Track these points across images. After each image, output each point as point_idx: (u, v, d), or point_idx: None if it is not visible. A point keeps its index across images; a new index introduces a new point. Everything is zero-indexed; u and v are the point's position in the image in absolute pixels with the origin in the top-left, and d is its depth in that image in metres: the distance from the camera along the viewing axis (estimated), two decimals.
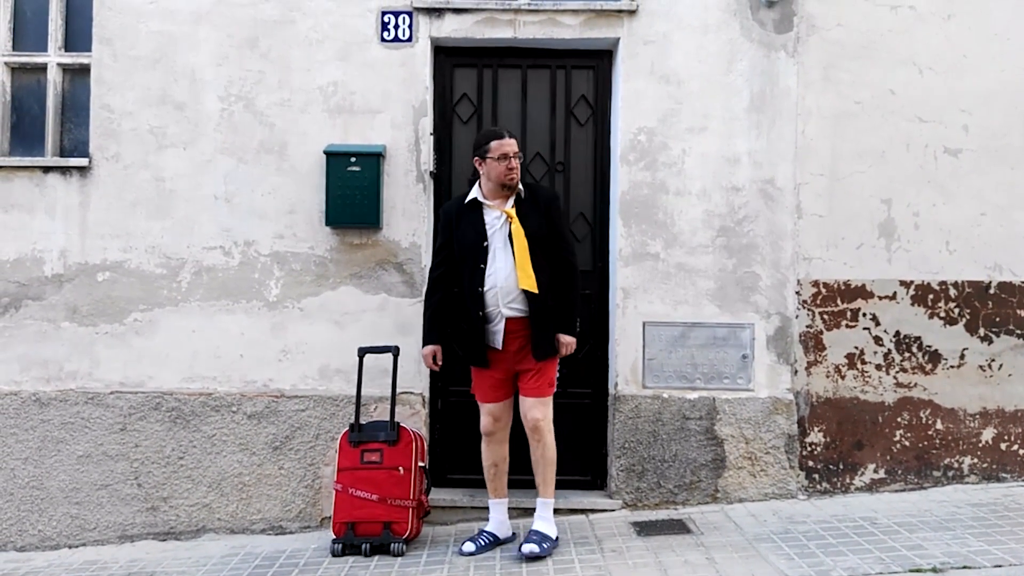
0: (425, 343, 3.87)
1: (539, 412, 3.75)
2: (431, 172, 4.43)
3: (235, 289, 4.38)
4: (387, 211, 4.36)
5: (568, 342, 3.78)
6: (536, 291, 3.66)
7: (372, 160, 4.28)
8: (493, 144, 3.69)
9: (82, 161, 4.41)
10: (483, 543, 3.82)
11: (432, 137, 4.42)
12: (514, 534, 3.93)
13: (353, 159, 4.27)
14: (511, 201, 3.74)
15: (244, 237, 4.39)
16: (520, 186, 3.76)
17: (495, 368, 3.78)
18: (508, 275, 3.68)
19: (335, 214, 4.29)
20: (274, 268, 4.38)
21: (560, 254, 3.77)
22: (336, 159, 4.27)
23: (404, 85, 4.37)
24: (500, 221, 3.72)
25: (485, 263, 3.70)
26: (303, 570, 3.76)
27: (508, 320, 3.71)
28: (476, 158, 3.75)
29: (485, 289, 3.70)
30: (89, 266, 4.40)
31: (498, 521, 3.90)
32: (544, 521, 3.79)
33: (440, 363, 3.88)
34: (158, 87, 4.41)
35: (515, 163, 3.69)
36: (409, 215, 4.37)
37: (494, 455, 3.86)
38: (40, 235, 4.41)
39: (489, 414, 3.83)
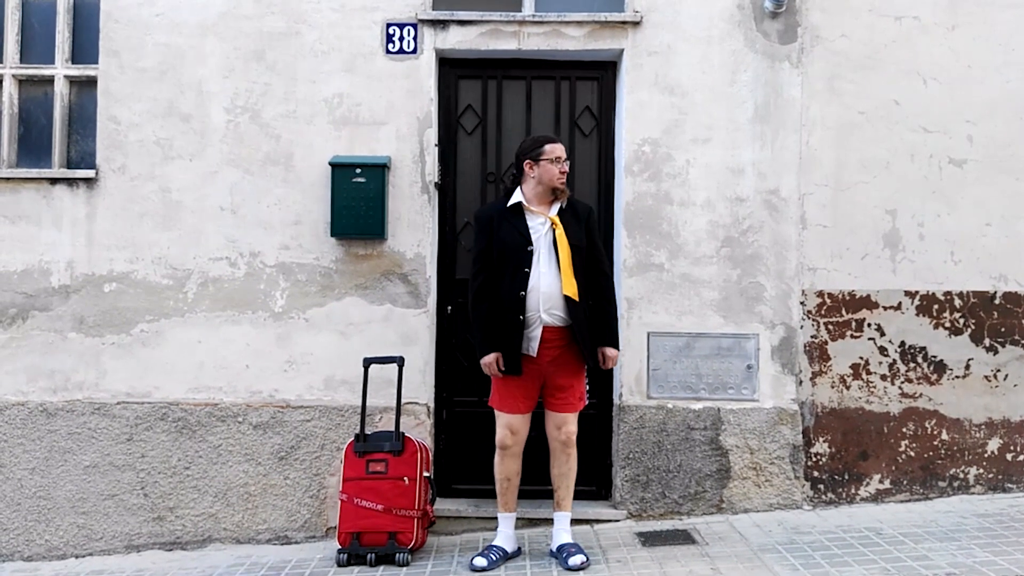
0: (484, 352, 3.72)
1: (574, 426, 3.77)
2: (436, 183, 4.44)
3: (241, 300, 4.40)
4: (392, 222, 4.38)
5: (614, 356, 3.79)
6: (577, 299, 3.66)
7: (377, 171, 4.29)
8: (547, 147, 3.72)
9: (89, 173, 4.43)
10: (494, 558, 3.76)
11: (437, 148, 4.43)
12: (520, 548, 3.91)
13: (358, 170, 4.28)
14: (555, 208, 3.75)
15: (250, 248, 4.40)
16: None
17: (524, 380, 3.72)
18: (552, 281, 3.66)
19: (340, 225, 4.30)
20: (280, 279, 4.40)
21: (598, 266, 3.79)
22: (341, 170, 4.29)
23: (409, 96, 4.39)
24: (545, 227, 3.71)
25: (529, 267, 3.67)
26: None
27: (546, 328, 3.67)
28: (528, 161, 3.74)
29: (527, 293, 3.65)
30: (96, 277, 4.42)
31: (507, 535, 3.86)
32: (568, 533, 3.81)
33: (504, 368, 3.71)
34: (165, 99, 4.43)
35: (566, 167, 3.75)
36: (414, 226, 4.39)
37: (508, 469, 3.81)
38: (47, 246, 4.43)
39: (508, 427, 3.77)
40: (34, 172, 4.47)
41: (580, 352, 3.69)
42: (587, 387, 3.86)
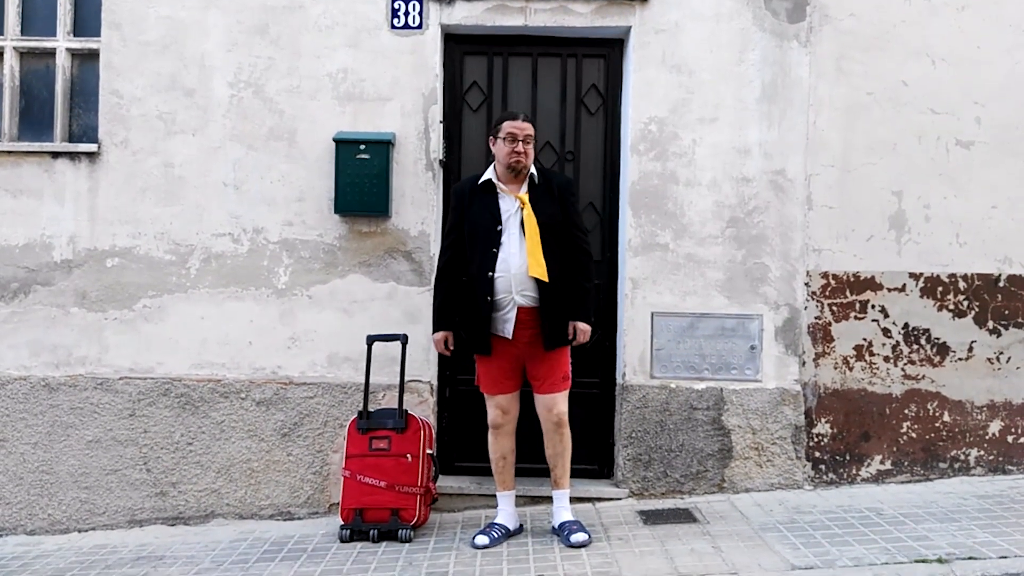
0: (436, 329, 3.84)
1: (563, 406, 3.74)
2: (441, 160, 4.42)
3: (244, 276, 4.38)
4: (396, 199, 4.36)
5: (584, 329, 3.75)
6: (547, 279, 3.61)
7: (382, 148, 4.27)
8: (505, 124, 3.66)
9: (91, 147, 4.40)
10: (496, 535, 3.77)
11: (442, 125, 4.41)
12: (521, 525, 3.92)
13: (363, 147, 4.26)
14: (524, 186, 3.70)
15: (253, 224, 4.38)
16: (534, 171, 3.72)
17: (502, 358, 3.73)
18: (521, 263, 3.63)
19: (344, 202, 4.28)
20: (283, 255, 4.38)
21: (573, 242, 3.73)
22: (345, 146, 4.26)
23: (414, 73, 4.35)
24: (515, 206, 3.66)
25: (498, 247, 3.64)
26: (311, 555, 3.79)
27: (520, 309, 3.66)
28: (491, 136, 3.75)
29: (496, 275, 3.64)
30: (98, 252, 4.40)
31: (508, 513, 3.87)
32: (569, 511, 3.81)
33: (452, 348, 3.85)
34: (167, 73, 4.39)
35: (523, 147, 3.63)
36: (418, 203, 4.37)
37: (502, 448, 3.82)
38: (49, 220, 4.41)
39: (497, 407, 3.78)
40: (36, 146, 4.43)
41: (551, 332, 3.65)
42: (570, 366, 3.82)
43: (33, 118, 4.56)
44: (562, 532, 3.73)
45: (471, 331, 3.74)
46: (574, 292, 3.72)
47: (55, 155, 4.42)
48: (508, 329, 3.69)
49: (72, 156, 4.41)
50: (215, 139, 4.38)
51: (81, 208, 4.41)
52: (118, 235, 4.40)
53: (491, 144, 3.75)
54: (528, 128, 3.67)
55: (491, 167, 3.76)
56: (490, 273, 3.64)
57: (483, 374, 3.81)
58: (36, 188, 4.41)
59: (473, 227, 3.69)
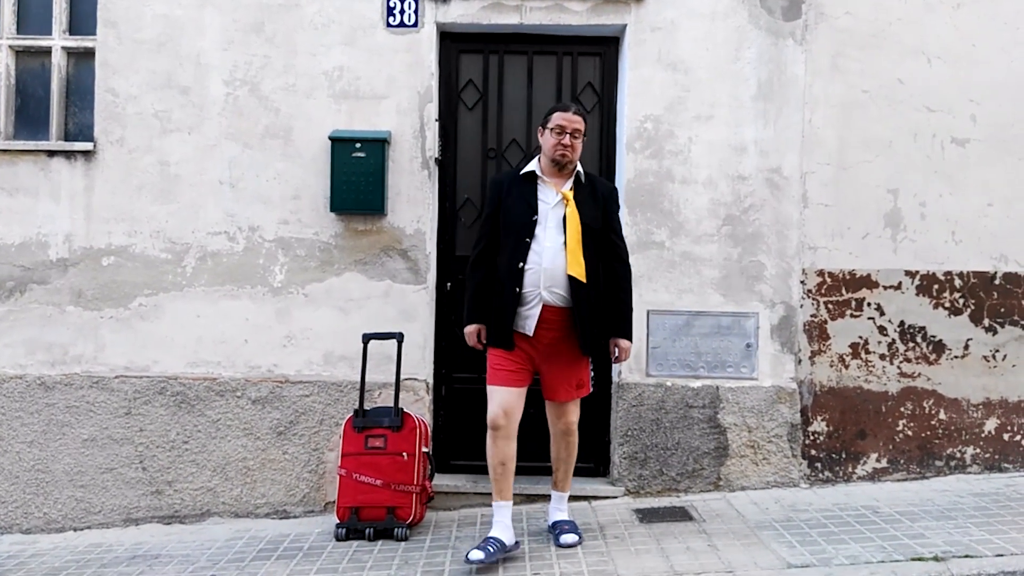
0: (468, 322, 3.65)
1: (574, 416, 3.64)
2: (436, 159, 4.41)
3: (240, 274, 4.38)
4: (392, 198, 4.35)
5: (627, 348, 3.61)
6: (584, 280, 3.45)
7: (377, 146, 4.26)
8: (554, 115, 3.52)
9: (87, 145, 4.40)
10: (491, 550, 3.47)
11: (437, 124, 4.40)
12: (518, 542, 3.64)
13: (358, 145, 4.25)
14: (569, 183, 3.56)
15: (249, 222, 4.38)
16: (580, 170, 3.59)
17: (517, 356, 3.52)
18: (555, 257, 3.46)
19: (340, 200, 4.28)
20: (279, 254, 4.38)
21: (615, 251, 3.60)
22: (341, 145, 4.26)
23: (409, 71, 4.35)
24: (555, 200, 3.51)
25: (531, 238, 3.47)
26: (307, 554, 3.78)
27: (546, 307, 3.48)
28: (540, 127, 3.62)
29: (527, 267, 3.47)
30: (94, 250, 4.40)
31: (504, 526, 3.57)
32: (565, 512, 3.77)
33: (485, 341, 3.63)
34: (163, 71, 4.39)
35: (570, 141, 3.49)
36: (414, 202, 4.36)
37: (502, 453, 3.53)
38: (45, 219, 4.41)
39: (500, 404, 3.50)
40: (31, 144, 4.43)
41: (580, 339, 3.50)
42: (592, 374, 3.70)
43: (29, 116, 4.56)
44: (554, 531, 3.72)
45: (494, 322, 3.54)
46: (614, 305, 3.58)
47: (51, 153, 4.42)
48: (529, 326, 3.50)
49: (68, 155, 4.41)
50: (211, 137, 4.38)
51: (77, 206, 4.41)
52: (114, 233, 4.39)
53: (539, 135, 3.62)
54: (578, 122, 3.52)
55: (535, 159, 3.63)
56: (521, 264, 3.47)
57: (492, 365, 3.56)
58: (32, 186, 4.41)
59: (508, 216, 3.53)
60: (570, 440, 3.68)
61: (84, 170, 4.41)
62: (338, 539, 3.92)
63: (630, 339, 3.62)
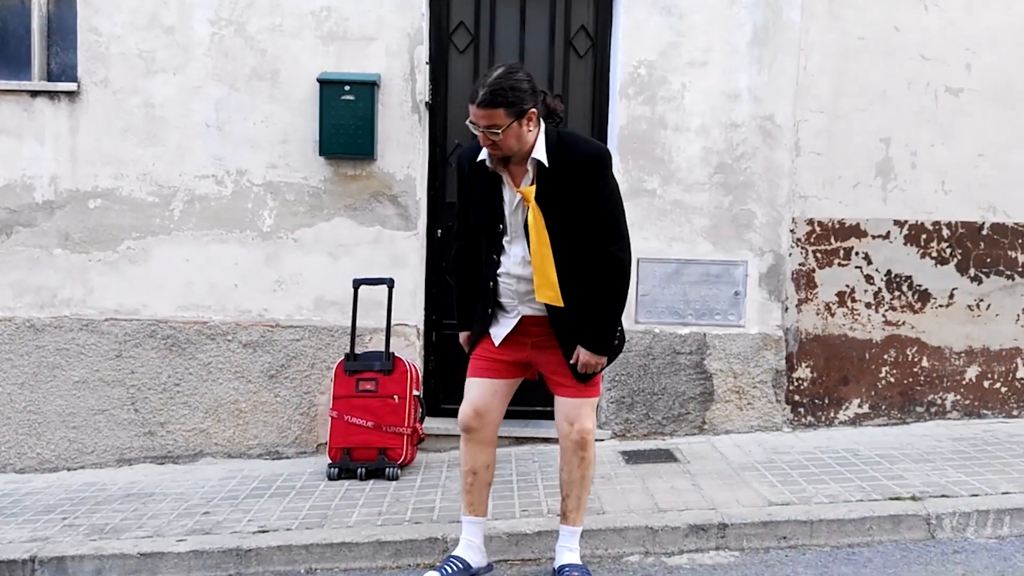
0: (460, 328, 3.06)
1: (589, 421, 2.83)
2: (427, 103, 4.36)
3: (228, 219, 4.35)
4: (382, 142, 4.31)
5: (586, 362, 2.75)
6: (561, 304, 2.73)
7: (367, 89, 4.20)
8: (471, 107, 2.67)
9: (70, 86, 4.32)
10: (448, 571, 2.88)
11: (428, 66, 4.34)
12: (491, 565, 3.05)
13: (347, 88, 4.19)
14: (531, 174, 2.72)
15: (236, 166, 4.34)
16: (542, 153, 2.70)
17: (496, 348, 2.88)
18: (527, 273, 2.77)
19: (329, 144, 4.23)
20: (267, 198, 4.35)
21: (600, 241, 2.72)
22: (330, 87, 4.19)
23: (399, 11, 4.26)
24: (516, 200, 2.76)
25: (500, 252, 2.82)
26: (300, 492, 3.85)
27: (526, 317, 2.83)
28: None
29: (500, 280, 2.84)
30: (80, 193, 4.35)
31: (472, 545, 2.96)
32: (576, 553, 2.95)
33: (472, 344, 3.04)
34: (147, 10, 4.29)
35: (490, 139, 2.65)
36: (404, 147, 4.32)
37: (473, 459, 2.90)
38: (29, 161, 4.35)
39: (471, 402, 2.88)
40: (14, 84, 4.35)
41: (565, 353, 2.80)
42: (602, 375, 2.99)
43: (10, 56, 4.45)
44: None
45: (475, 326, 2.96)
46: (593, 312, 2.74)
47: (34, 94, 4.34)
48: (509, 327, 2.87)
49: (51, 95, 4.33)
50: (196, 78, 4.31)
51: (62, 148, 4.34)
52: (100, 176, 4.34)
53: None
54: (489, 116, 2.61)
55: None
56: (492, 283, 2.85)
57: (472, 354, 2.98)
58: (15, 128, 4.34)
59: (476, 219, 2.86)
60: (584, 458, 2.85)
61: (68, 111, 4.33)
62: (330, 478, 3.99)
63: (598, 352, 2.75)
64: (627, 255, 2.78)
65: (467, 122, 2.70)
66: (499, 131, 2.63)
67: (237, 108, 4.31)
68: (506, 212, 2.78)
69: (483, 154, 2.76)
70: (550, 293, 2.73)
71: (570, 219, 2.72)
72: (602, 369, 2.85)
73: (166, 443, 4.41)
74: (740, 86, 4.30)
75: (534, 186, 2.72)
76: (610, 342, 2.78)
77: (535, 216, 2.70)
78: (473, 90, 2.67)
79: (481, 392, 2.90)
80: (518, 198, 2.75)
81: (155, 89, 4.31)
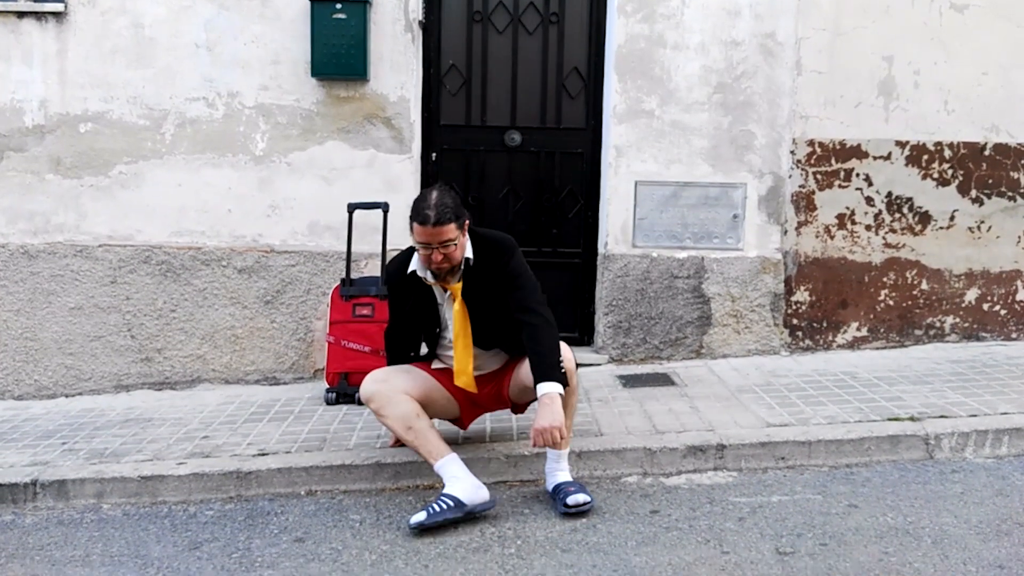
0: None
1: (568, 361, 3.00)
2: (420, 22, 4.27)
3: (220, 142, 4.29)
4: (375, 63, 4.23)
5: (544, 428, 2.79)
6: (475, 391, 3.08)
7: (359, 7, 4.11)
8: (415, 228, 2.86)
9: (57, 6, 4.22)
10: (436, 509, 2.85)
11: None
12: (493, 500, 2.97)
13: (339, 6, 4.10)
14: (460, 273, 3.00)
15: (228, 88, 4.26)
16: (469, 253, 2.98)
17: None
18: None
19: (321, 64, 4.16)
20: (259, 121, 4.29)
21: (519, 313, 2.95)
22: (321, 6, 4.11)
23: None
24: (446, 296, 3.08)
25: (438, 340, 3.19)
26: (299, 416, 3.86)
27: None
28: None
29: (439, 354, 3.22)
30: (70, 117, 4.29)
31: (456, 479, 2.92)
32: (567, 472, 3.07)
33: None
34: None
35: (441, 253, 2.87)
36: (397, 67, 4.24)
37: (403, 415, 2.99)
38: (18, 84, 4.28)
39: (372, 376, 3.13)
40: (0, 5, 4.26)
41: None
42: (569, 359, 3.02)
43: None
44: (558, 495, 2.98)
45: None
46: (530, 355, 2.92)
47: (20, 15, 4.25)
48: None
49: (38, 16, 4.24)
50: None
51: (50, 71, 4.27)
52: (90, 99, 4.28)
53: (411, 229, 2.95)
54: (444, 233, 2.83)
55: (416, 254, 3.00)
56: (441, 365, 3.20)
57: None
58: (3, 50, 4.26)
59: (414, 323, 3.19)
60: (568, 386, 2.95)
61: (56, 32, 4.25)
62: (328, 403, 3.99)
63: (552, 380, 2.83)
64: (550, 314, 2.98)
65: (416, 243, 2.91)
66: (454, 243, 2.89)
67: (227, 28, 4.22)
68: (441, 312, 3.11)
69: (413, 265, 3.01)
70: (464, 379, 3.04)
71: (491, 307, 3.01)
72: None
73: (163, 369, 4.41)
74: (741, 2, 4.20)
75: (460, 283, 3.01)
76: (557, 369, 2.88)
77: (460, 308, 3.01)
78: (421, 215, 2.84)
79: (398, 372, 3.16)
80: (448, 294, 3.05)
81: (143, 8, 4.22)
